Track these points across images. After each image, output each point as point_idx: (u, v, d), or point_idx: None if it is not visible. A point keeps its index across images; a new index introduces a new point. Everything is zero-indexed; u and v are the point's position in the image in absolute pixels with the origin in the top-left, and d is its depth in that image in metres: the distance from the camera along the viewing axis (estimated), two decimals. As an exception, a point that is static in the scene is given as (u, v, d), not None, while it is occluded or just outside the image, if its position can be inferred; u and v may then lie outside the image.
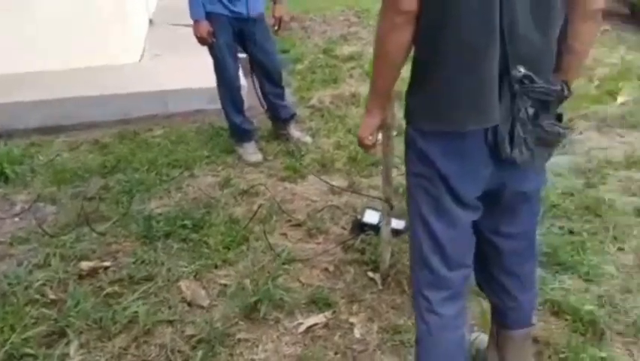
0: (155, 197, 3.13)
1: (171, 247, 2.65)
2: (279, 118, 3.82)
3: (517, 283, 1.67)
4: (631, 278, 2.38)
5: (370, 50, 4.92)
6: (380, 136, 1.81)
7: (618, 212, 2.87)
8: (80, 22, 4.61)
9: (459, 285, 1.58)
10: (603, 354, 1.96)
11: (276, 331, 2.18)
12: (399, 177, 2.74)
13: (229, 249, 2.64)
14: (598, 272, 2.40)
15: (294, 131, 3.85)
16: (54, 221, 2.92)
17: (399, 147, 1.55)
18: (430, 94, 1.41)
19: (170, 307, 2.28)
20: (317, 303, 2.31)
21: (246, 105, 3.72)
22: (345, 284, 2.44)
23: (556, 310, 2.19)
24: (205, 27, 3.25)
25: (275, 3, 3.55)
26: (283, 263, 2.54)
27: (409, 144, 1.52)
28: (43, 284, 2.39)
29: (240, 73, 3.64)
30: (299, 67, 5.46)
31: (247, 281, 2.40)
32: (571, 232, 2.71)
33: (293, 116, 3.86)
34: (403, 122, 1.54)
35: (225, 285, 2.42)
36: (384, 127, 1.91)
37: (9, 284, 2.38)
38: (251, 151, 3.62)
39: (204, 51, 3.43)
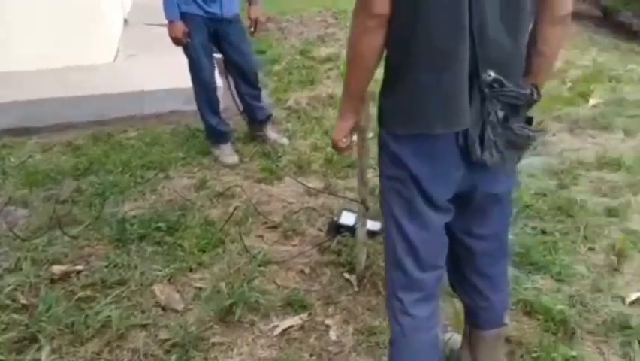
0: (129, 199, 3.09)
1: (145, 250, 2.62)
2: (256, 119, 3.81)
3: (489, 284, 1.69)
4: (601, 278, 2.42)
5: (347, 51, 4.94)
6: (355, 138, 1.82)
7: (589, 212, 2.92)
8: (53, 21, 4.54)
9: (432, 286, 1.59)
10: (574, 353, 1.99)
11: (251, 334, 2.17)
12: (374, 178, 2.74)
13: (204, 252, 2.62)
14: (569, 272, 2.44)
15: (271, 132, 3.84)
16: (25, 224, 2.87)
17: (374, 148, 1.56)
18: (402, 97, 1.42)
19: (143, 312, 2.25)
20: (293, 305, 2.30)
21: (222, 106, 3.70)
22: (321, 286, 2.44)
23: (529, 310, 2.22)
24: (180, 27, 3.23)
25: (250, 4, 3.54)
26: (259, 265, 2.53)
27: (382, 147, 1.53)
28: (14, 289, 2.35)
29: (216, 74, 3.62)
30: (276, 68, 5.45)
31: (222, 284, 2.39)
32: (543, 232, 2.75)
33: (269, 117, 3.85)
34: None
35: (200, 288, 2.40)
36: (358, 129, 1.91)
37: (-22, 289, 2.33)
38: (227, 153, 3.61)
39: (180, 51, 3.41)
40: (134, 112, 4.24)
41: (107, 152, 3.65)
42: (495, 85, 1.34)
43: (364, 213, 2.34)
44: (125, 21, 6.36)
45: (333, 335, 2.16)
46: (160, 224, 2.77)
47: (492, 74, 1.34)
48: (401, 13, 1.32)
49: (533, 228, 2.78)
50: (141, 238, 2.70)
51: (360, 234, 2.38)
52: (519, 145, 1.44)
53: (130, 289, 2.37)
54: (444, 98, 1.36)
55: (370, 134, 2.22)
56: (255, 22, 3.56)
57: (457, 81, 1.34)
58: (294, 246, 2.73)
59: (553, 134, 3.90)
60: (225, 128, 3.65)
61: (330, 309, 2.30)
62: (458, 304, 2.03)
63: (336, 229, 2.74)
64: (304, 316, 2.25)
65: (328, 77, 5.18)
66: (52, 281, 2.43)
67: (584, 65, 5.46)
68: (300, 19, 7.40)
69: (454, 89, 1.35)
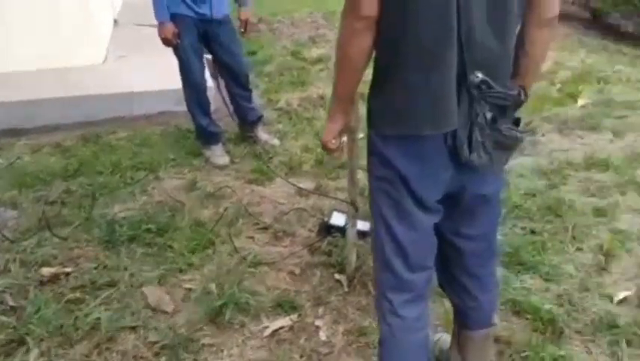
0: (119, 201, 3.08)
1: (135, 251, 2.61)
2: (247, 121, 3.81)
3: (478, 284, 1.70)
4: (589, 277, 2.44)
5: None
6: (345, 139, 1.82)
7: (578, 212, 2.94)
8: (42, 21, 4.52)
9: (421, 287, 1.60)
10: (562, 352, 2.01)
11: (242, 335, 2.17)
12: (365, 179, 2.75)
13: (194, 253, 2.61)
14: (558, 272, 2.46)
15: (262, 133, 3.84)
16: (14, 226, 2.85)
17: (364, 149, 1.57)
18: (390, 98, 1.42)
19: (133, 313, 2.25)
20: (283, 306, 2.31)
21: (212, 107, 3.69)
22: (311, 287, 2.44)
23: (518, 309, 2.24)
24: (170, 28, 3.22)
25: (240, 5, 3.54)
26: (249, 266, 2.53)
27: (371, 148, 1.53)
28: (3, 291, 2.33)
29: (207, 75, 3.61)
30: (267, 69, 5.45)
31: (212, 285, 2.38)
32: (532, 232, 2.77)
33: (260, 118, 3.85)
34: (368, 125, 1.55)
35: (190, 289, 2.40)
36: (348, 130, 1.92)
37: (-34, 292, 2.32)
38: (218, 154, 3.60)
39: (170, 52, 3.40)
40: (124, 113, 4.23)
41: (97, 153, 3.63)
42: (483, 86, 1.35)
43: (354, 213, 2.34)
44: (115, 21, 6.33)
45: (323, 335, 2.17)
46: (150, 225, 2.76)
47: (480, 75, 1.35)
48: (389, 15, 1.32)
49: (522, 228, 2.80)
50: (131, 239, 2.69)
51: (351, 234, 2.38)
52: (507, 146, 1.45)
53: (119, 291, 2.36)
54: (432, 99, 1.36)
55: (361, 135, 2.23)
56: (246, 24, 3.56)
57: (445, 82, 1.35)
58: (285, 247, 2.73)
59: (543, 135, 3.93)
60: (216, 129, 3.65)
61: (321, 310, 2.30)
62: (448, 305, 2.04)
63: (326, 229, 2.74)
64: (294, 317, 2.25)
65: (319, 78, 5.18)
66: (42, 283, 2.41)
67: (573, 66, 5.50)
68: (291, 21, 7.40)
69: (442, 90, 1.35)
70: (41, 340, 2.10)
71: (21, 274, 2.44)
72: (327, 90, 4.70)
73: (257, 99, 4.18)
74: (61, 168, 3.43)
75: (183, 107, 3.65)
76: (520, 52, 1.46)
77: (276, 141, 3.83)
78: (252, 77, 3.83)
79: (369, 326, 2.18)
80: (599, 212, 2.94)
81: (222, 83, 3.70)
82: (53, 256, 2.59)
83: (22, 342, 2.09)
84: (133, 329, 2.18)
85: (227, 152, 3.67)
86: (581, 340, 2.12)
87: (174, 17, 3.22)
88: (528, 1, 1.40)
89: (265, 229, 2.87)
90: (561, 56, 5.83)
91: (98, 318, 2.18)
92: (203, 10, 3.26)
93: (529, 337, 2.09)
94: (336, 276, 2.49)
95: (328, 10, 7.69)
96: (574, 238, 2.72)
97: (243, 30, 3.58)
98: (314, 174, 3.42)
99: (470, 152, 1.39)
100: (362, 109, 2.06)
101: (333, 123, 1.59)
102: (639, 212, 2.96)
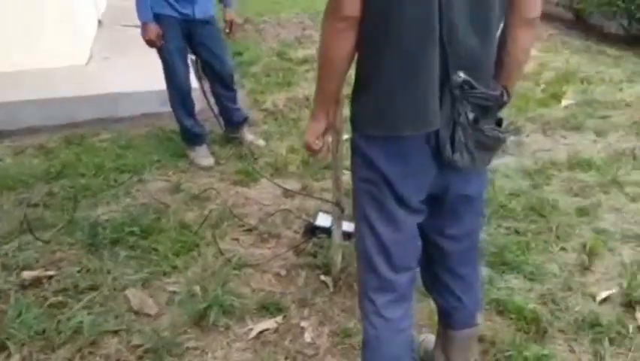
0: (102, 203, 3.05)
1: (118, 254, 2.58)
2: (232, 122, 3.79)
3: (461, 284, 1.70)
4: (572, 277, 2.46)
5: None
6: (330, 140, 1.81)
7: (561, 212, 2.96)
8: (24, 21, 4.46)
9: (405, 288, 1.60)
10: (545, 351, 2.02)
11: (226, 337, 2.16)
12: (350, 180, 2.75)
13: (178, 255, 2.59)
14: (542, 271, 2.48)
15: (247, 134, 3.83)
16: (-5, 229, 2.81)
17: (349, 150, 1.57)
18: (372, 99, 1.42)
19: (116, 317, 2.23)
20: (268, 308, 2.30)
21: (197, 108, 3.67)
22: (296, 288, 2.43)
23: (502, 309, 2.25)
24: (154, 29, 3.19)
25: (225, 6, 3.52)
26: (234, 268, 2.52)
27: (354, 149, 1.53)
28: (-17, 295, 2.30)
29: (192, 75, 3.59)
30: (253, 70, 5.43)
31: (197, 288, 2.36)
32: (517, 232, 2.78)
33: (246, 119, 3.83)
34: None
35: (174, 292, 2.38)
36: (332, 131, 1.91)
37: (-54, 296, 2.28)
38: (203, 155, 3.58)
39: (155, 53, 3.37)
40: (108, 114, 4.19)
41: (80, 155, 3.59)
42: (465, 86, 1.35)
43: (340, 214, 2.34)
44: (99, 22, 6.27)
45: (308, 337, 2.16)
46: (133, 228, 2.74)
47: (462, 75, 1.35)
48: (371, 15, 1.32)
49: (507, 228, 2.81)
50: (114, 242, 2.66)
51: (336, 235, 2.38)
52: (489, 146, 1.46)
53: (102, 295, 2.34)
54: (414, 100, 1.36)
55: (345, 136, 2.22)
56: (231, 24, 3.55)
57: (427, 83, 1.35)
58: (270, 248, 2.72)
59: (527, 135, 3.95)
60: (200, 131, 3.63)
61: (306, 311, 2.30)
62: (433, 305, 2.04)
63: (312, 230, 2.74)
64: (279, 318, 2.25)
65: (305, 79, 5.17)
66: (23, 287, 2.38)
67: (556, 67, 5.54)
68: (277, 21, 7.39)
69: (424, 90, 1.35)
70: (23, 344, 2.08)
71: (2, 278, 2.41)
72: (313, 91, 4.68)
73: (242, 100, 4.16)
74: (43, 171, 3.39)
75: (168, 109, 3.63)
76: (503, 52, 1.46)
77: (261, 142, 3.82)
78: (237, 77, 3.81)
79: (354, 327, 2.17)
80: (582, 212, 2.96)
81: (207, 84, 3.67)
82: (35, 260, 2.56)
83: (3, 347, 2.07)
84: (116, 332, 2.16)
85: (212, 153, 3.65)
86: (564, 339, 2.13)
87: (158, 18, 3.20)
88: (510, 1, 1.40)
89: (250, 230, 2.85)
90: (545, 56, 5.87)
91: (81, 322, 2.16)
92: (187, 10, 3.24)
93: (512, 336, 2.10)
94: (322, 277, 2.48)
95: (315, 11, 7.69)
96: (557, 237, 2.74)
97: (228, 31, 3.57)
98: (299, 175, 3.42)
99: (453, 152, 1.39)
100: (347, 110, 2.07)
101: (316, 123, 1.58)
102: (622, 211, 2.99)
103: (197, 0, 3.25)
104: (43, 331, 2.13)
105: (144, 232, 2.74)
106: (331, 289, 2.41)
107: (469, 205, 1.59)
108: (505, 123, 1.50)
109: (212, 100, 3.73)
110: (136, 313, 2.26)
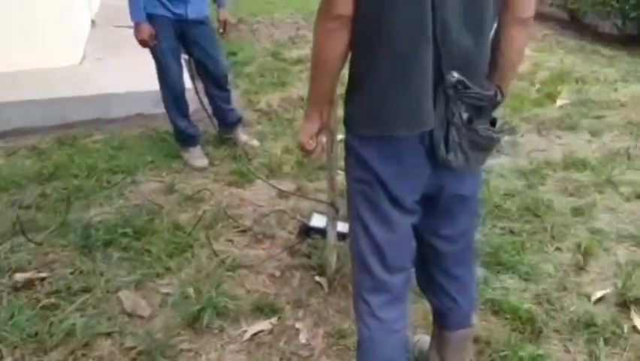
0: (95, 204, 3.03)
1: (111, 256, 2.56)
2: (226, 122, 3.77)
3: (456, 285, 1.69)
4: (567, 276, 2.46)
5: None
6: (324, 140, 1.80)
7: (556, 212, 2.96)
8: (17, 21, 4.44)
9: (399, 289, 1.59)
10: (541, 351, 2.01)
11: (220, 339, 2.14)
12: (345, 180, 2.75)
13: (172, 257, 2.57)
14: (537, 271, 2.47)
15: (241, 135, 3.81)
16: (-13, 231, 2.79)
17: (344, 150, 1.56)
18: (366, 99, 1.41)
19: (109, 319, 2.21)
20: (262, 309, 2.28)
21: (191, 109, 3.65)
22: (291, 289, 2.42)
23: (497, 309, 2.24)
24: (147, 30, 3.18)
25: (218, 6, 3.51)
26: (228, 270, 2.50)
27: (348, 149, 1.52)
28: (-25, 298, 2.28)
29: (185, 76, 3.58)
30: (247, 70, 5.42)
31: (190, 289, 2.35)
32: (512, 232, 2.78)
33: (240, 120, 3.82)
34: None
35: (167, 294, 2.36)
36: (326, 131, 1.90)
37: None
38: (197, 156, 3.56)
39: (148, 53, 3.35)
40: (101, 115, 4.17)
41: (72, 156, 3.57)
42: (459, 86, 1.35)
43: (334, 215, 2.33)
44: (93, 22, 6.24)
45: (303, 338, 2.15)
46: (127, 229, 2.72)
47: (456, 75, 1.34)
48: (364, 15, 1.31)
49: (502, 228, 2.81)
50: (107, 243, 2.64)
51: (331, 236, 2.37)
52: (484, 146, 1.45)
53: (95, 297, 2.32)
54: (408, 100, 1.35)
55: (340, 136, 2.21)
56: (224, 24, 3.54)
57: (421, 83, 1.34)
58: (265, 249, 2.70)
59: (522, 135, 3.95)
60: (194, 131, 3.61)
61: (301, 312, 2.29)
62: (428, 305, 2.03)
63: (306, 231, 2.73)
64: (274, 320, 2.23)
65: (300, 79, 5.16)
66: (16, 289, 2.36)
67: (551, 67, 5.55)
68: (271, 21, 7.38)
69: (417, 90, 1.35)
70: (15, 347, 2.06)
71: (-6, 280, 2.38)
72: (307, 91, 4.68)
73: (237, 100, 4.15)
74: (36, 172, 3.36)
75: (161, 109, 3.61)
76: (496, 52, 1.46)
77: (255, 142, 3.81)
78: (231, 78, 3.79)
79: (349, 328, 2.16)
80: (577, 212, 2.96)
81: (200, 85, 3.66)
82: (27, 262, 2.54)
83: (-6, 350, 2.05)
84: (109, 334, 2.14)
85: (206, 154, 3.63)
86: (560, 339, 2.12)
87: (151, 18, 3.18)
88: (504, 0, 1.39)
89: (244, 231, 2.84)
90: (540, 56, 5.88)
91: (74, 324, 2.14)
92: (180, 10, 3.22)
93: (508, 336, 2.09)
94: (317, 278, 2.47)
95: (309, 11, 7.67)
96: (552, 237, 2.73)
97: (222, 31, 3.56)
98: (294, 175, 3.40)
99: (447, 152, 1.38)
100: (341, 110, 2.06)
101: (309, 123, 1.57)
102: (617, 211, 2.99)
103: (191, 0, 3.23)
104: (36, 333, 2.11)
105: (137, 233, 2.72)
106: (326, 290, 2.40)
107: (464, 205, 1.59)
108: (499, 123, 1.49)
109: (205, 100, 3.72)
110: (129, 315, 2.24)
